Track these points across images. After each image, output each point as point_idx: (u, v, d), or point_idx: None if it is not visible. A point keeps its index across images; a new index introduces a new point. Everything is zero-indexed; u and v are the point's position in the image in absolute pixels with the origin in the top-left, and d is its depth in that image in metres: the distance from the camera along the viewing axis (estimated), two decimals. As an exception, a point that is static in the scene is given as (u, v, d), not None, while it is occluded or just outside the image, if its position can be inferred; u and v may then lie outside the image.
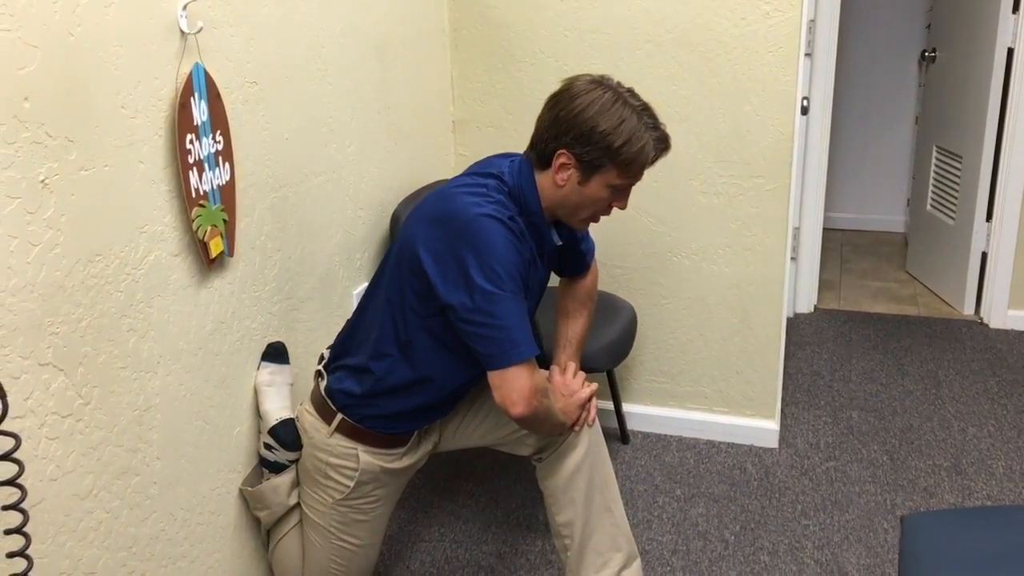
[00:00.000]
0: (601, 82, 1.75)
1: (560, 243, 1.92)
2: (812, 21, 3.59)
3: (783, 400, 3.18)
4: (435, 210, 1.75)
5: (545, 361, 2.08)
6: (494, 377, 1.69)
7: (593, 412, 1.95)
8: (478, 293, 1.65)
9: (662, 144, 1.76)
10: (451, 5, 2.86)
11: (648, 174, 2.77)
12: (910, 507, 2.60)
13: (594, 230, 2.87)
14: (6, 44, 1.28)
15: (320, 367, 1.96)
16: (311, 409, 1.92)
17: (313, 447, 1.91)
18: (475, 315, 1.66)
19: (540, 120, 1.79)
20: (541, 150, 1.78)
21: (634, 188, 2.81)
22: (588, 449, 1.95)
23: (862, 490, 2.68)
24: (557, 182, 1.77)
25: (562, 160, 1.74)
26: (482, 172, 1.83)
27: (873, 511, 2.58)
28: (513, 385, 1.67)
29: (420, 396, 1.86)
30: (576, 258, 2.09)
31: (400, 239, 1.81)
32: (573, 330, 2.09)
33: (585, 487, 1.95)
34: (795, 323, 3.91)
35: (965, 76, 3.85)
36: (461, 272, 1.66)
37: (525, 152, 1.84)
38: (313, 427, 1.91)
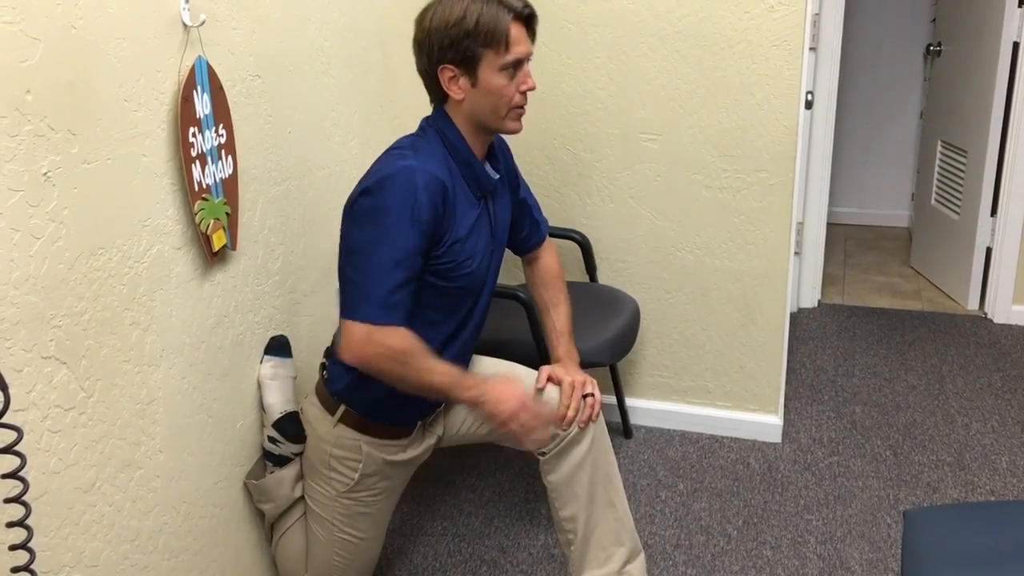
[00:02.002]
0: None
1: (497, 176, 1.92)
2: (817, 15, 3.57)
3: (786, 395, 3.18)
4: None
5: (541, 358, 2.08)
6: (342, 323, 1.74)
7: (596, 408, 1.95)
8: (360, 238, 1.71)
9: (512, 3, 1.75)
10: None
11: (651, 168, 2.78)
12: (913, 502, 2.59)
13: (598, 224, 2.87)
14: (8, 37, 1.27)
15: (324, 359, 1.96)
16: (315, 401, 1.92)
17: (317, 439, 1.91)
18: (351, 257, 1.72)
19: (417, 65, 1.82)
20: (431, 87, 1.81)
21: (639, 183, 2.81)
22: (592, 444, 1.94)
23: (865, 485, 2.68)
24: (456, 97, 1.78)
25: (447, 76, 1.76)
26: (401, 142, 1.85)
27: (876, 506, 2.57)
28: (349, 334, 1.70)
29: (412, 329, 1.85)
30: (531, 225, 2.11)
31: None
32: (559, 321, 2.09)
33: (588, 482, 1.95)
34: (799, 318, 3.90)
35: (970, 70, 3.83)
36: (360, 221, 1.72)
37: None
38: (317, 419, 1.91)
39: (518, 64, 1.77)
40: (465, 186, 1.82)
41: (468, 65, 1.74)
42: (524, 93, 1.81)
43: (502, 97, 1.78)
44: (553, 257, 2.16)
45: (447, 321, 1.86)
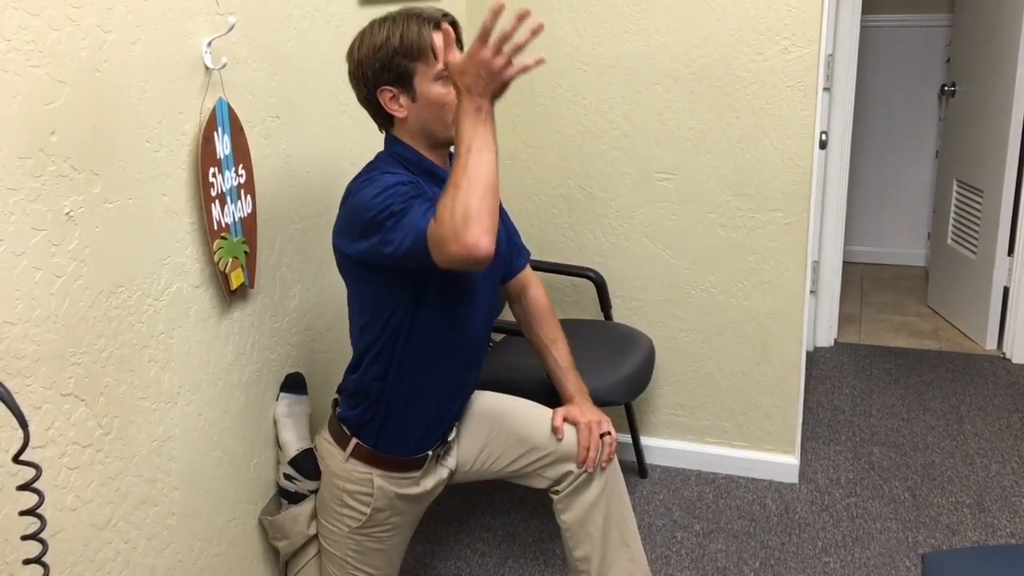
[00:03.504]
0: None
1: None
2: (831, 56, 3.60)
3: (803, 435, 3.15)
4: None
5: (554, 399, 2.08)
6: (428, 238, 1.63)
7: (609, 449, 1.95)
8: (376, 230, 1.68)
9: (429, 13, 1.78)
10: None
11: (665, 207, 2.79)
12: (932, 544, 2.56)
13: (613, 262, 2.88)
14: (35, 80, 1.30)
15: (336, 395, 1.97)
16: (328, 436, 1.93)
17: (330, 474, 1.91)
18: (383, 228, 1.67)
19: (358, 96, 1.83)
20: (375, 113, 1.83)
21: (654, 221, 2.82)
22: (606, 483, 1.94)
23: (883, 527, 2.65)
24: (400, 115, 1.80)
25: (387, 97, 1.78)
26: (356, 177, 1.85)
27: (895, 548, 2.54)
28: (437, 233, 1.57)
29: (409, 367, 1.84)
30: (511, 248, 2.10)
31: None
32: (561, 357, 2.08)
33: (602, 522, 1.94)
34: (815, 357, 3.89)
35: (985, 110, 3.84)
36: (357, 223, 1.71)
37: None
38: (329, 453, 1.91)
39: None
40: (436, 190, 1.80)
41: (404, 82, 1.77)
42: None
43: (444, 105, 1.79)
44: (541, 290, 2.15)
45: (447, 338, 1.86)
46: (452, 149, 1.73)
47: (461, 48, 1.83)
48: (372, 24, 1.79)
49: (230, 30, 1.69)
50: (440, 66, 1.76)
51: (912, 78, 4.80)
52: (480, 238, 1.52)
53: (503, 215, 2.11)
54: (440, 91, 1.78)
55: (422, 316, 1.80)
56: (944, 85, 4.30)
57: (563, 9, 2.76)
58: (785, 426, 2.89)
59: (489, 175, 1.57)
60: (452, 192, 1.55)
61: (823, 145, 3.54)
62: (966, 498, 2.78)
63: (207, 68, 1.67)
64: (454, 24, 1.82)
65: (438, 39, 1.77)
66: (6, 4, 1.25)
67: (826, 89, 3.60)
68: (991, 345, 3.91)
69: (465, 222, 1.52)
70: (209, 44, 1.67)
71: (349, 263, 1.81)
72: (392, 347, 1.82)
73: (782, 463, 2.91)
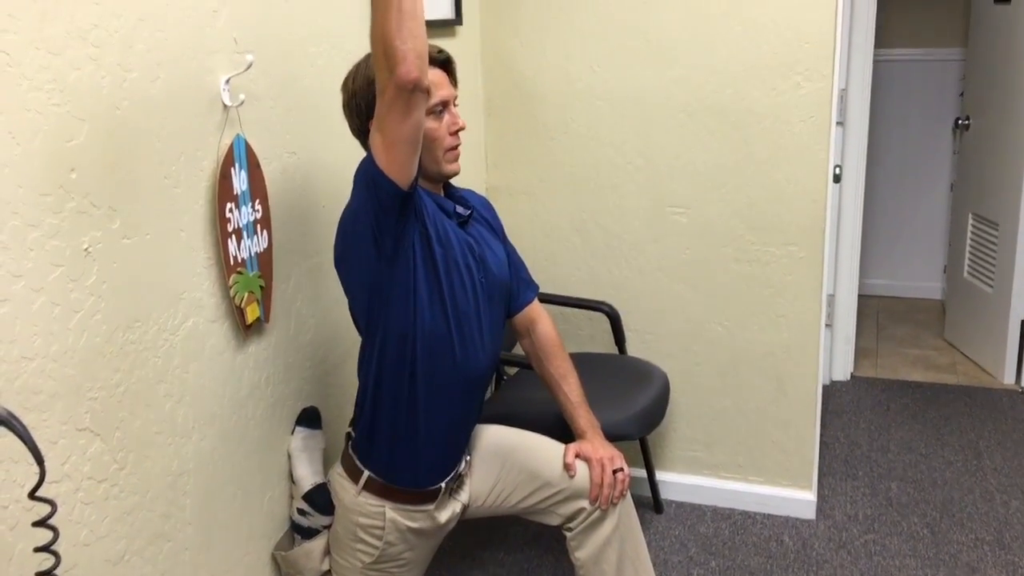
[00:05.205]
0: None
1: (467, 211, 1.93)
2: (844, 90, 3.61)
3: (820, 470, 3.12)
4: None
5: (569, 433, 2.07)
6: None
7: (622, 486, 1.94)
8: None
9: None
10: (485, 76, 2.91)
11: (680, 240, 2.79)
12: (953, 583, 2.53)
13: (627, 296, 2.88)
14: (56, 118, 1.32)
15: (349, 428, 1.97)
16: (341, 470, 1.93)
17: (343, 508, 1.91)
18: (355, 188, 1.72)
19: (351, 127, 1.85)
20: (367, 144, 1.82)
21: (668, 255, 2.82)
22: (619, 520, 1.92)
23: (902, 564, 2.61)
24: None
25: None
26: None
27: (914, 586, 2.51)
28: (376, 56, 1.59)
29: (413, 398, 1.83)
30: (518, 282, 2.11)
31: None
32: (572, 392, 2.07)
33: (616, 559, 1.92)
34: (831, 391, 3.86)
35: (999, 144, 3.83)
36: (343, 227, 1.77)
37: None
38: (343, 487, 1.91)
39: (444, 106, 1.83)
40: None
41: None
42: (455, 133, 1.86)
43: (434, 140, 1.81)
44: (550, 325, 2.15)
45: (450, 368, 1.85)
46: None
47: (455, 85, 1.86)
48: (368, 57, 1.81)
49: (248, 68, 1.72)
50: (433, 101, 1.78)
51: (926, 112, 4.80)
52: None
53: (509, 249, 2.12)
54: (432, 125, 1.80)
55: (421, 344, 1.80)
56: (958, 118, 4.30)
57: (577, 45, 2.79)
58: (802, 461, 2.87)
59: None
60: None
61: (837, 179, 3.54)
62: (986, 535, 2.74)
63: (225, 105, 1.69)
64: (448, 61, 1.85)
65: (433, 76, 1.79)
66: (29, 44, 1.27)
67: (840, 123, 3.61)
68: (1009, 379, 3.88)
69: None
70: (227, 81, 1.69)
71: (351, 278, 1.82)
72: (395, 378, 1.82)
73: (799, 499, 2.88)
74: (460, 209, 1.91)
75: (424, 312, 1.78)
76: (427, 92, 1.62)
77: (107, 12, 1.41)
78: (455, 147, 1.86)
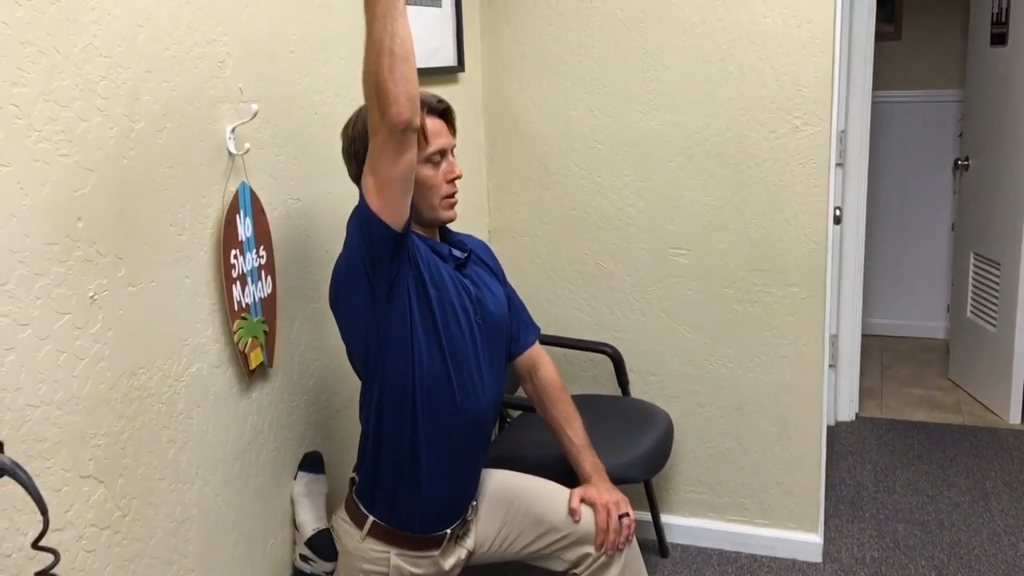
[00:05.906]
0: None
1: (464, 254, 1.95)
2: (843, 132, 3.64)
3: (826, 512, 3.10)
4: None
5: (575, 476, 2.06)
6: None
7: (628, 531, 1.93)
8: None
9: (423, 98, 1.79)
10: (487, 120, 2.95)
11: (681, 281, 2.81)
12: (962, 627, 2.50)
13: (630, 337, 2.89)
14: (64, 168, 1.34)
15: (353, 473, 1.96)
16: (345, 516, 1.92)
17: (347, 554, 1.90)
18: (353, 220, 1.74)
19: (349, 172, 1.88)
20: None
21: (670, 296, 2.83)
22: (625, 565, 1.91)
23: (911, 608, 2.59)
24: None
25: None
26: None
27: (923, 630, 2.48)
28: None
29: (416, 441, 1.83)
30: (519, 325, 2.13)
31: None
32: (576, 436, 2.07)
33: (622, 604, 1.91)
34: (836, 432, 3.84)
35: (999, 184, 3.86)
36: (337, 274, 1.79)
37: None
38: (346, 533, 1.90)
39: (442, 155, 1.85)
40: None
41: None
42: (452, 181, 1.88)
43: (431, 187, 1.84)
44: (552, 368, 2.15)
45: (453, 412, 1.85)
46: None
47: (454, 134, 1.89)
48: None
49: (253, 117, 1.74)
50: (430, 149, 1.81)
51: (925, 152, 4.83)
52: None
53: (509, 292, 2.13)
54: (428, 173, 1.83)
55: (420, 386, 1.80)
56: (958, 159, 4.33)
57: (577, 90, 2.82)
58: (807, 503, 2.85)
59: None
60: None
61: (838, 220, 3.56)
62: (995, 578, 2.72)
63: (231, 153, 1.72)
64: (448, 111, 1.88)
65: (432, 124, 1.82)
66: (38, 96, 1.30)
67: (839, 165, 3.64)
68: (1015, 419, 3.86)
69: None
70: (233, 130, 1.71)
71: (347, 322, 1.82)
72: (396, 420, 1.82)
73: (805, 541, 2.86)
74: (456, 252, 1.93)
75: (422, 354, 1.78)
76: (419, 132, 1.65)
77: (115, 64, 1.44)
78: (452, 195, 1.89)
